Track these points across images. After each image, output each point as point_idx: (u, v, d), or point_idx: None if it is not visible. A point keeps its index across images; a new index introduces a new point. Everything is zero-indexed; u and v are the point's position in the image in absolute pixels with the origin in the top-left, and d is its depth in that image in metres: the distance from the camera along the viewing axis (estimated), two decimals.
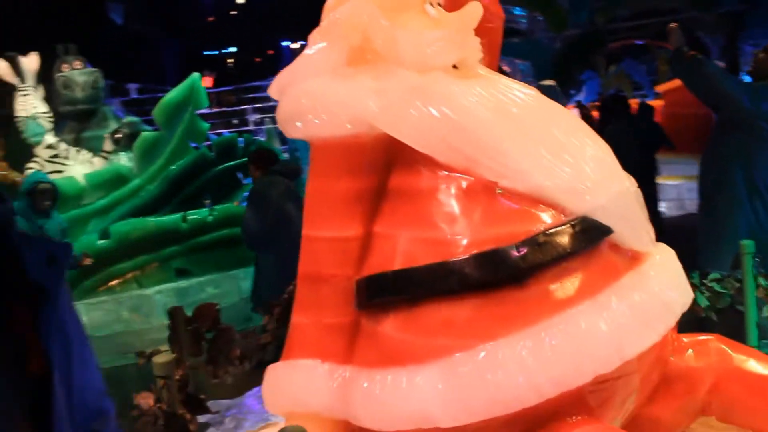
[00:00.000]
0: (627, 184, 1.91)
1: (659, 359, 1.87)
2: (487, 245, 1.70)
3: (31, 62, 7.18)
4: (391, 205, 1.91)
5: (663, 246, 2.10)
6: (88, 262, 5.56)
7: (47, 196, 5.62)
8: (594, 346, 1.63)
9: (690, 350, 2.03)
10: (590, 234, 1.75)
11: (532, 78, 9.34)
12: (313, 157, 2.01)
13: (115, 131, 7.45)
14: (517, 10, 9.48)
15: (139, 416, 2.02)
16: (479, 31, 2.30)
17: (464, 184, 1.79)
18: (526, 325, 1.64)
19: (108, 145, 7.42)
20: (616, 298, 1.71)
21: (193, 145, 7.18)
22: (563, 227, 1.72)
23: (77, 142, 7.82)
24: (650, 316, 1.74)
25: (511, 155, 1.76)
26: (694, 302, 3.05)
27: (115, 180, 6.63)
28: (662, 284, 1.83)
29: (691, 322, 3.12)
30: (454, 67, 2.04)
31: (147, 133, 7.07)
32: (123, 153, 7.40)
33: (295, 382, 1.95)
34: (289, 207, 4.99)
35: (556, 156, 1.79)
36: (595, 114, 15.09)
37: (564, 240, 1.71)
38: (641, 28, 9.32)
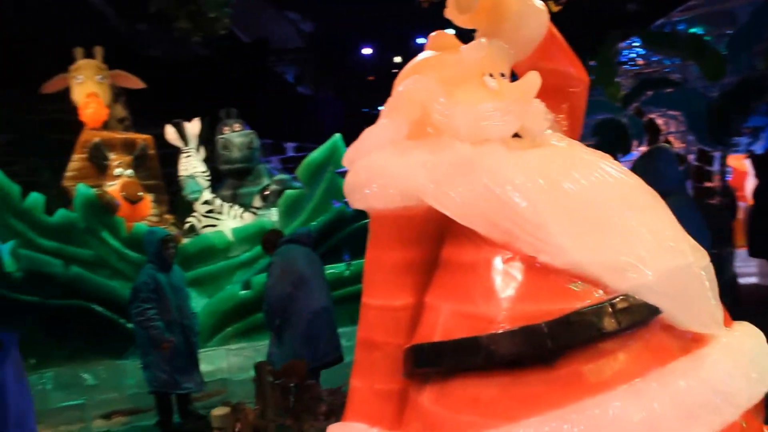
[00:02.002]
0: (688, 261, 1.78)
1: None
2: (518, 322, 1.67)
3: (193, 127, 7.93)
4: (441, 276, 1.94)
5: (744, 327, 1.95)
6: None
7: (173, 247, 6.10)
8: None
9: None
10: (632, 313, 1.66)
11: (686, 130, 8.92)
12: (370, 228, 2.10)
13: (264, 188, 7.99)
14: (668, 60, 9.12)
15: None
16: (562, 96, 2.32)
17: (503, 259, 1.78)
18: (550, 408, 1.59)
19: (257, 202, 7.98)
20: (657, 384, 1.60)
21: (334, 202, 7.53)
22: (600, 306, 1.65)
23: (235, 198, 8.49)
24: (697, 407, 1.60)
25: (550, 230, 1.73)
26: None
27: (260, 234, 7.06)
28: (722, 372, 1.67)
29: None
30: (517, 135, 2.06)
31: (291, 191, 7.52)
32: (273, 209, 7.92)
33: None
34: (305, 270, 5.44)
35: (603, 232, 1.73)
36: None
37: (599, 319, 1.64)
38: None
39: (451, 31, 2.24)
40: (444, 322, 1.83)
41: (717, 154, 8.54)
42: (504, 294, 1.74)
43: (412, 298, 1.97)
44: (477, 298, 1.77)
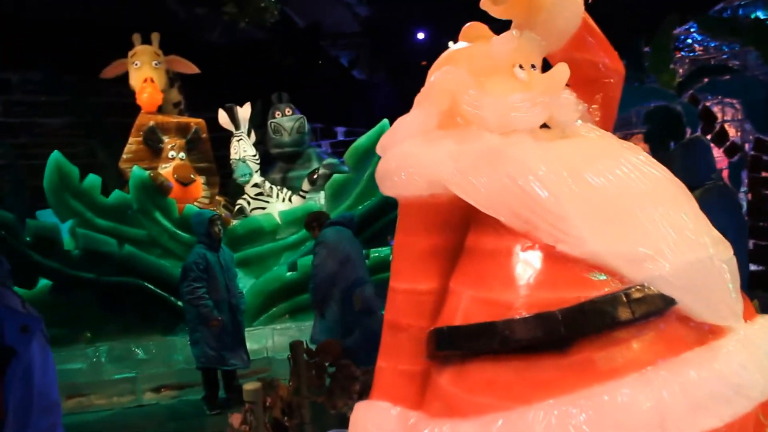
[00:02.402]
0: (708, 253, 1.79)
1: None
2: (533, 309, 1.72)
3: (244, 111, 8.10)
4: (464, 263, 2.00)
5: (767, 321, 1.95)
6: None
7: (220, 226, 6.31)
8: (631, 423, 1.57)
9: None
10: (647, 304, 1.69)
11: (744, 118, 8.68)
12: (399, 215, 2.17)
13: (313, 172, 8.12)
14: (726, 46, 8.86)
15: None
16: (596, 87, 2.34)
17: (523, 248, 1.82)
18: (561, 393, 1.63)
19: (306, 185, 8.11)
20: (668, 374, 1.62)
21: None
22: (615, 295, 1.68)
23: (284, 181, 8.67)
24: (707, 398, 1.61)
25: (570, 221, 1.75)
26: None
27: None
28: (736, 364, 1.67)
29: None
30: (547, 126, 2.09)
31: (338, 175, 7.63)
32: (321, 192, 8.05)
33: (370, 421, 2.10)
34: (350, 251, 5.62)
35: (623, 224, 1.76)
36: None
37: (614, 308, 1.67)
38: None
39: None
40: (465, 307, 1.89)
41: None
42: (522, 281, 1.78)
43: (436, 283, 2.03)
44: (496, 285, 1.82)
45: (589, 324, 1.67)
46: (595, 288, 1.72)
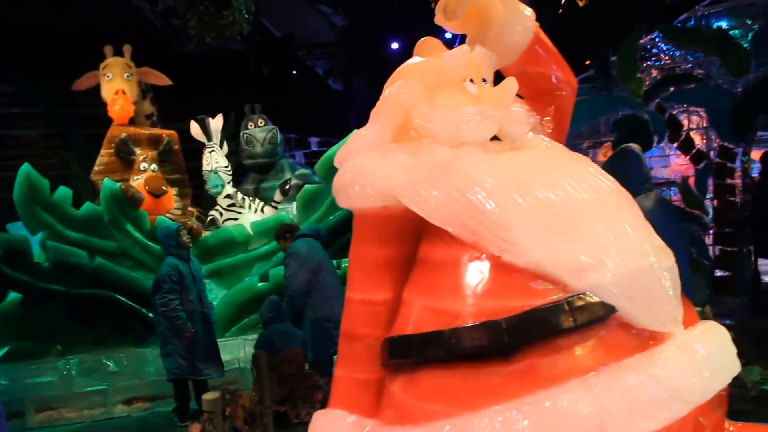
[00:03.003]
0: (650, 261, 1.85)
1: None
2: (479, 318, 1.77)
3: (216, 122, 8.10)
4: (416, 273, 2.05)
5: (707, 326, 2.01)
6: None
7: (187, 235, 6.35)
8: (571, 428, 1.62)
9: None
10: (589, 312, 1.74)
11: (708, 126, 8.85)
12: (354, 226, 2.21)
13: (285, 183, 8.14)
14: (691, 56, 9.04)
15: None
16: (549, 99, 2.40)
17: (471, 258, 1.87)
18: (506, 399, 1.68)
19: (278, 196, 8.13)
20: (608, 379, 1.67)
21: None
22: (558, 304, 1.73)
23: (257, 192, 8.67)
24: (645, 402, 1.66)
25: (515, 232, 1.80)
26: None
27: None
28: (673, 369, 1.73)
29: None
30: (498, 138, 2.16)
31: (309, 186, 7.64)
32: (294, 203, 8.06)
33: (327, 429, 2.15)
34: (321, 260, 5.66)
35: (567, 234, 1.81)
36: None
37: (556, 317, 1.72)
38: None
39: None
40: (415, 317, 1.94)
41: (739, 150, 8.47)
42: (469, 291, 1.84)
43: (391, 294, 2.09)
44: (445, 295, 1.88)
45: (533, 332, 1.73)
46: (539, 297, 1.77)
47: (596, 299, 1.76)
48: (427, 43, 2.33)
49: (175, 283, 5.98)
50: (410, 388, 1.88)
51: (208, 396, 2.28)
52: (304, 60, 18.41)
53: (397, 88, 2.14)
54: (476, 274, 1.85)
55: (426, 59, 2.27)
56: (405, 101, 2.10)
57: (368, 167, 2.08)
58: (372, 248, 2.13)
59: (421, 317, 1.91)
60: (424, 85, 2.12)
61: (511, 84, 2.09)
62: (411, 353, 1.88)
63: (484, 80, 2.21)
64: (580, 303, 1.75)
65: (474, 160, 1.98)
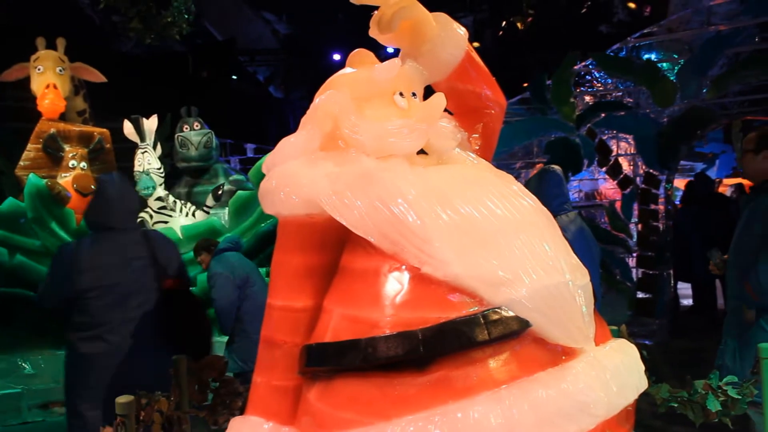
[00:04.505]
0: (565, 279, 1.89)
1: None
2: (396, 328, 1.79)
3: (151, 123, 7.96)
4: (337, 282, 2.06)
5: (618, 343, 2.08)
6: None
7: None
8: None
9: None
10: (503, 325, 1.77)
11: (636, 153, 9.18)
12: (278, 233, 2.22)
13: (218, 188, 8.05)
14: (622, 84, 9.38)
15: None
16: (478, 116, 2.45)
17: (391, 268, 1.89)
18: (419, 410, 1.69)
19: (210, 201, 8.03)
20: (519, 392, 1.71)
21: None
22: (473, 317, 1.76)
23: (189, 196, 8.54)
24: (554, 415, 1.70)
25: (434, 244, 1.83)
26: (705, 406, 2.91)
27: (209, 233, 7.12)
28: (583, 383, 1.78)
29: (705, 427, 3.00)
30: (424, 152, 2.19)
31: (241, 192, 7.58)
32: (225, 208, 7.98)
33: None
34: (247, 272, 5.63)
35: (485, 249, 1.84)
36: (723, 190, 14.47)
37: (471, 329, 1.75)
38: (757, 103, 8.92)
39: None
40: (334, 325, 1.94)
41: (663, 177, 8.81)
42: (387, 301, 1.85)
43: (311, 301, 2.09)
44: (363, 304, 1.89)
45: (448, 343, 1.75)
46: (456, 309, 1.80)
47: (511, 314, 1.79)
48: (359, 54, 2.36)
49: None
50: (326, 396, 1.88)
51: (121, 399, 2.23)
52: (245, 66, 18.32)
53: (327, 97, 2.16)
54: (395, 284, 1.87)
55: (357, 70, 2.29)
56: (334, 110, 2.12)
57: (294, 174, 2.09)
58: (294, 255, 2.13)
59: (339, 326, 1.92)
60: (353, 96, 2.15)
61: (439, 99, 2.13)
62: (328, 361, 1.89)
63: (414, 94, 2.25)
64: (495, 317, 1.78)
65: (398, 172, 2.01)
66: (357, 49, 2.38)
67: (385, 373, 1.78)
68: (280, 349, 2.12)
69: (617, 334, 2.68)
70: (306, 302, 2.09)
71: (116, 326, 3.86)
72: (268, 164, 2.25)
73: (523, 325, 1.81)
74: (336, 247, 2.09)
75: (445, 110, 2.21)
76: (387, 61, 2.21)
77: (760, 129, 4.30)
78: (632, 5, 17.92)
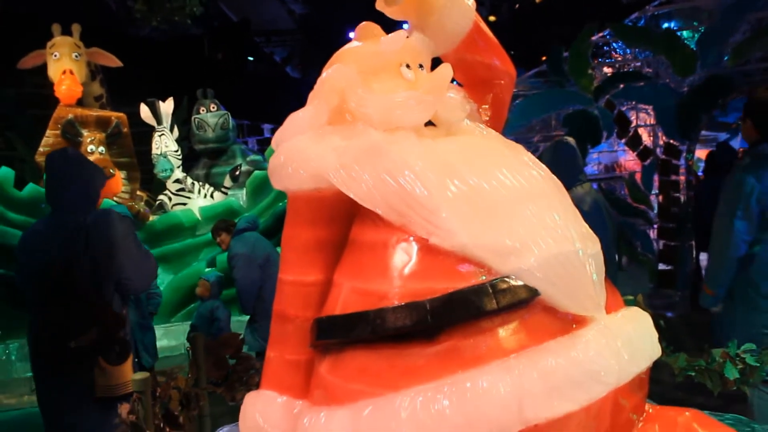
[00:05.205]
0: (575, 247, 1.88)
1: (587, 429, 1.78)
2: (404, 299, 1.78)
3: (167, 106, 8.01)
4: (346, 255, 2.06)
5: (630, 311, 2.06)
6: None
7: None
8: (490, 408, 1.64)
9: (656, 425, 1.97)
10: (512, 295, 1.76)
11: (655, 123, 9.06)
12: (287, 208, 2.22)
13: (235, 168, 8.09)
14: (641, 54, 9.24)
15: (118, 424, 2.30)
16: (487, 87, 2.43)
17: (399, 240, 1.88)
18: (428, 380, 1.69)
19: (227, 181, 8.07)
20: (528, 361, 1.70)
21: None
22: (481, 286, 1.75)
23: (207, 177, 8.60)
24: (563, 384, 1.69)
25: (442, 215, 1.82)
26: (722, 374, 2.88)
27: (227, 213, 7.16)
28: (593, 351, 1.76)
29: (724, 395, 2.98)
30: (433, 124, 2.18)
31: (258, 172, 7.61)
32: (243, 189, 8.02)
33: (257, 410, 2.16)
34: (267, 251, 5.62)
35: (494, 219, 1.82)
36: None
37: (479, 299, 1.74)
38: None
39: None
40: (344, 298, 1.95)
41: (683, 148, 8.69)
42: (395, 272, 1.85)
43: (322, 275, 2.09)
44: (372, 276, 1.89)
45: (456, 313, 1.74)
46: (464, 279, 1.78)
47: (520, 283, 1.78)
48: (366, 28, 2.34)
49: None
50: (336, 368, 1.89)
51: (137, 376, 2.27)
52: (262, 47, 18.29)
53: (334, 71, 2.15)
54: (403, 256, 1.86)
55: (364, 44, 2.27)
56: (341, 84, 2.11)
57: (302, 149, 2.08)
58: (303, 230, 2.13)
59: (349, 298, 1.93)
60: (360, 69, 2.13)
61: (445, 70, 2.11)
62: (337, 334, 1.89)
63: (420, 66, 2.23)
64: (503, 286, 1.76)
65: (406, 144, 2.00)
66: (364, 23, 2.36)
67: (394, 344, 1.78)
68: (292, 323, 2.13)
69: (634, 303, 2.66)
70: (317, 276, 2.09)
71: (37, 317, 3.79)
72: (276, 140, 2.25)
73: (532, 293, 1.79)
74: (345, 220, 2.09)
75: (455, 82, 2.19)
76: (392, 33, 2.19)
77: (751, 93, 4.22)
78: None
